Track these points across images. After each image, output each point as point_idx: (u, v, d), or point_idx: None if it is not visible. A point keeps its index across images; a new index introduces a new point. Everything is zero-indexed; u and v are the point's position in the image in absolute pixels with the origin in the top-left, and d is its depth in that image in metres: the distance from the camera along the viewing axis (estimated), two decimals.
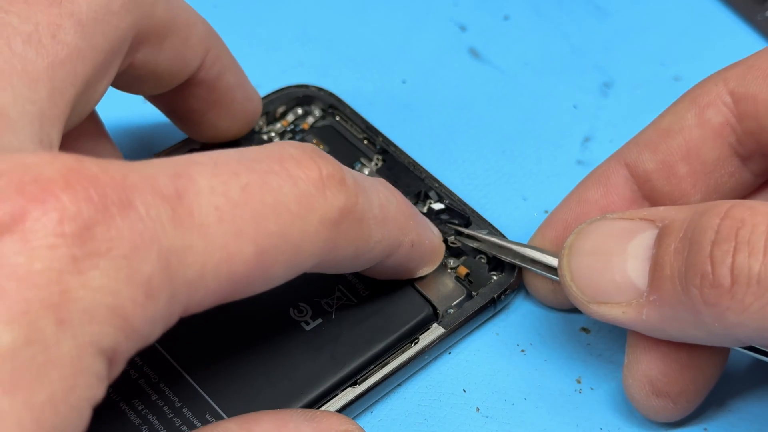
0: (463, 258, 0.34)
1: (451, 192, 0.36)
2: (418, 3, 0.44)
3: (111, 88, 0.30)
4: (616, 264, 0.29)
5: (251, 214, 0.24)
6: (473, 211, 0.35)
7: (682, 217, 0.28)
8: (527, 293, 0.35)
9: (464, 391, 0.33)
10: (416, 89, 0.41)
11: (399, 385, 0.32)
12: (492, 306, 0.33)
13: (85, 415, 0.21)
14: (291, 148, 0.26)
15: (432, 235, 0.32)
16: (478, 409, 0.32)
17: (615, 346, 0.34)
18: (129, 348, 0.22)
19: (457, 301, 0.33)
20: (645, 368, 0.30)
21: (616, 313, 0.29)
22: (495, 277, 0.34)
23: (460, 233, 0.34)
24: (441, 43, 0.43)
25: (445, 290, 0.33)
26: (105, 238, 0.21)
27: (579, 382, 0.33)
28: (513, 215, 0.37)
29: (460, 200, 0.35)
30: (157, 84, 0.31)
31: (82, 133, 0.31)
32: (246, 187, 0.24)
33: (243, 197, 0.24)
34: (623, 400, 0.32)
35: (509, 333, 0.34)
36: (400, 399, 0.32)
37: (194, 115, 0.34)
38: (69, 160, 0.22)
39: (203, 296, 0.23)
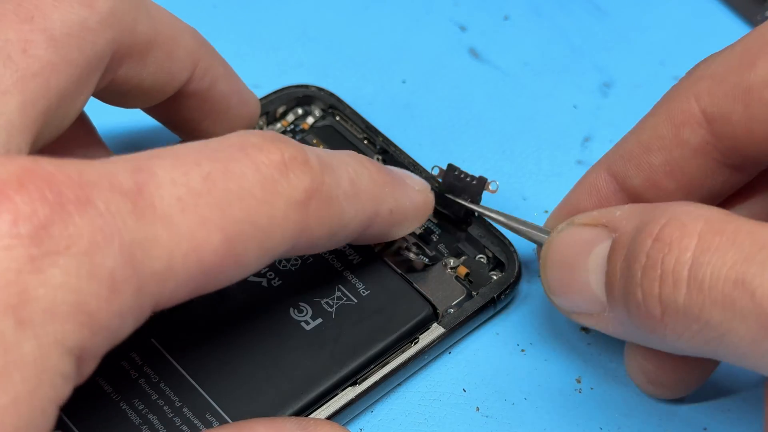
0: (463, 258, 0.34)
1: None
2: (418, 3, 0.44)
3: None
4: (580, 278, 0.29)
5: (215, 203, 0.24)
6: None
7: (629, 229, 0.27)
8: (527, 293, 0.35)
9: (464, 391, 0.33)
10: (416, 89, 0.41)
11: (399, 385, 0.32)
12: (492, 306, 0.33)
13: (50, 415, 0.21)
14: (252, 135, 0.26)
15: (414, 193, 0.31)
16: (478, 408, 0.32)
17: (615, 346, 0.34)
18: (98, 344, 0.22)
19: (457, 301, 0.33)
20: (641, 361, 0.31)
21: (591, 322, 0.29)
22: (495, 277, 0.34)
23: (470, 212, 0.34)
24: (441, 43, 0.43)
25: (445, 290, 0.33)
26: (63, 235, 0.21)
27: (579, 381, 0.33)
28: (513, 215, 0.37)
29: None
30: (145, 98, 0.31)
31: (71, 141, 0.31)
32: (208, 176, 0.24)
33: (205, 186, 0.24)
34: (623, 399, 0.32)
35: (509, 333, 0.34)
36: (400, 399, 0.32)
37: (190, 125, 0.34)
38: (24, 161, 0.22)
39: (174, 288, 0.23)
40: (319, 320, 0.32)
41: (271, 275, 0.33)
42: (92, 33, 0.27)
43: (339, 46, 0.42)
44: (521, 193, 0.38)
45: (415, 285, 0.33)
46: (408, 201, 0.31)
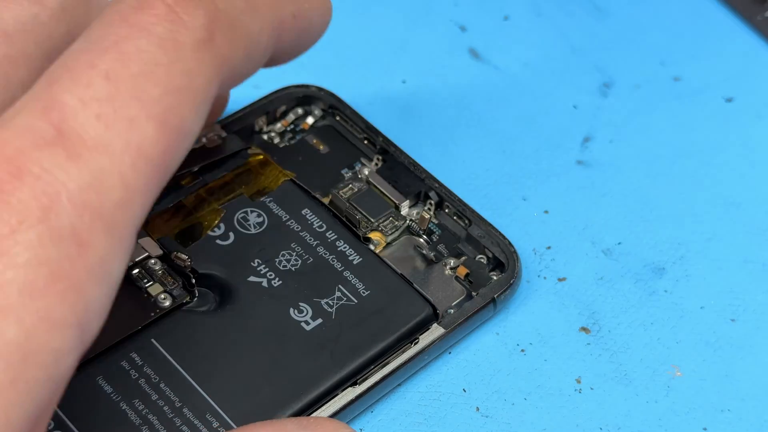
0: (463, 258, 0.34)
1: (451, 192, 0.36)
2: (418, 3, 0.44)
3: None
4: None
5: (130, 96, 0.23)
6: (473, 211, 0.35)
7: None
8: (527, 293, 0.35)
9: (464, 391, 0.33)
10: (416, 89, 0.41)
11: (399, 385, 0.32)
12: (492, 306, 0.33)
13: (41, 395, 0.21)
14: (124, 3, 0.24)
15: None
16: (478, 408, 0.32)
17: (615, 345, 0.34)
18: (90, 303, 0.22)
19: (457, 301, 0.33)
20: None
21: None
22: (495, 278, 0.34)
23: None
24: (441, 43, 0.43)
25: (445, 290, 0.33)
26: (12, 215, 0.21)
27: (579, 381, 0.33)
28: (513, 215, 0.37)
29: (460, 200, 0.35)
30: None
31: None
32: (108, 74, 0.23)
33: (112, 86, 0.23)
34: (623, 399, 0.32)
35: (509, 333, 0.34)
36: (400, 399, 0.32)
37: None
38: None
39: (142, 200, 0.23)
40: (319, 320, 0.32)
41: (271, 275, 0.33)
42: (46, 27, 0.27)
43: (339, 46, 0.42)
44: (521, 193, 0.38)
45: (415, 285, 0.33)
46: (306, 2, 0.29)
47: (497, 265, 0.34)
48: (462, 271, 0.34)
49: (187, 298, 0.32)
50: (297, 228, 0.34)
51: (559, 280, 0.35)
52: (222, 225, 0.34)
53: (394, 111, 0.40)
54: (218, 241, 0.33)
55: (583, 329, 0.34)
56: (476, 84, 0.41)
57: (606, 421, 0.32)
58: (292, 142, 0.37)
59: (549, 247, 0.36)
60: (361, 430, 0.32)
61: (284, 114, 0.38)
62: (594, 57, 0.42)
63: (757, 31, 0.43)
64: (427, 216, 0.35)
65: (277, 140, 0.37)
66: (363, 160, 0.37)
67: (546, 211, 0.37)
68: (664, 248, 0.36)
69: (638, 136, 0.40)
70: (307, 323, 0.32)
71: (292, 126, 0.38)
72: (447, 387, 0.33)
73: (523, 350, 0.34)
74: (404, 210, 0.35)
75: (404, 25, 0.43)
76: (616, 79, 0.42)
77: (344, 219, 0.34)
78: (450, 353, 0.33)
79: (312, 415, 0.30)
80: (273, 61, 0.29)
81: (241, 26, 0.26)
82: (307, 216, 0.34)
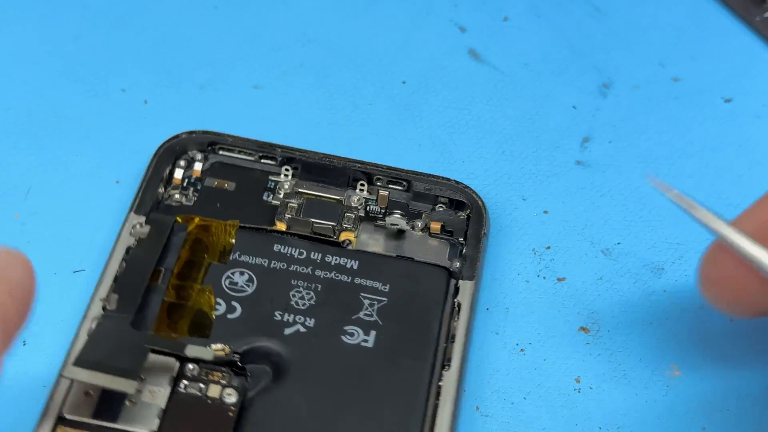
0: (424, 215, 0.35)
1: (375, 165, 0.36)
2: (418, 3, 0.44)
3: None
4: None
5: None
6: (405, 171, 0.35)
7: None
8: (527, 293, 0.35)
9: (464, 391, 0.33)
10: (416, 89, 0.41)
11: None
12: (485, 235, 0.34)
13: None
14: None
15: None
16: (478, 408, 0.32)
17: (614, 345, 0.34)
18: None
19: (449, 253, 0.34)
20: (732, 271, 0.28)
21: None
22: (463, 216, 0.35)
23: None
24: (441, 44, 0.43)
25: (434, 250, 0.34)
26: None
27: (578, 381, 0.33)
28: (513, 215, 0.37)
29: (387, 167, 0.36)
30: None
31: None
32: None
33: None
34: (622, 399, 0.32)
35: (509, 333, 0.34)
36: None
37: None
38: None
39: None
40: (373, 332, 0.32)
41: (300, 319, 0.32)
42: None
43: (339, 46, 0.42)
44: (521, 193, 0.38)
45: (417, 259, 0.34)
46: (9, 273, 0.26)
47: (458, 205, 0.35)
48: (436, 226, 0.35)
49: (247, 382, 0.31)
50: (284, 266, 0.33)
51: (559, 279, 0.35)
52: (219, 300, 0.32)
53: (394, 111, 0.40)
54: (229, 316, 0.32)
55: (583, 329, 0.34)
56: (476, 84, 0.41)
57: (605, 421, 0.32)
58: (197, 194, 0.36)
59: (548, 247, 0.36)
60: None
61: (171, 173, 0.36)
62: (593, 57, 0.43)
63: (756, 32, 0.43)
64: (385, 193, 0.35)
65: (184, 200, 0.35)
66: (272, 178, 0.36)
67: (545, 211, 0.37)
68: (663, 248, 0.36)
69: (637, 136, 0.40)
70: (366, 341, 0.32)
71: (185, 181, 0.36)
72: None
73: (522, 350, 0.34)
74: (349, 200, 0.35)
75: (404, 25, 0.43)
76: (615, 80, 0.42)
77: (314, 235, 0.34)
78: None
79: (437, 415, 0.30)
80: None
81: None
82: (282, 250, 0.34)
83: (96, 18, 0.42)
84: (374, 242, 0.35)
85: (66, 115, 0.39)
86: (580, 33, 0.43)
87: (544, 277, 0.35)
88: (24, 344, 0.32)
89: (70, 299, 0.33)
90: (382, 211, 0.35)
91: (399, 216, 0.35)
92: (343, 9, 0.44)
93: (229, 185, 0.36)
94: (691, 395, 0.33)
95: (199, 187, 0.36)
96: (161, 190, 0.35)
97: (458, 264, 0.34)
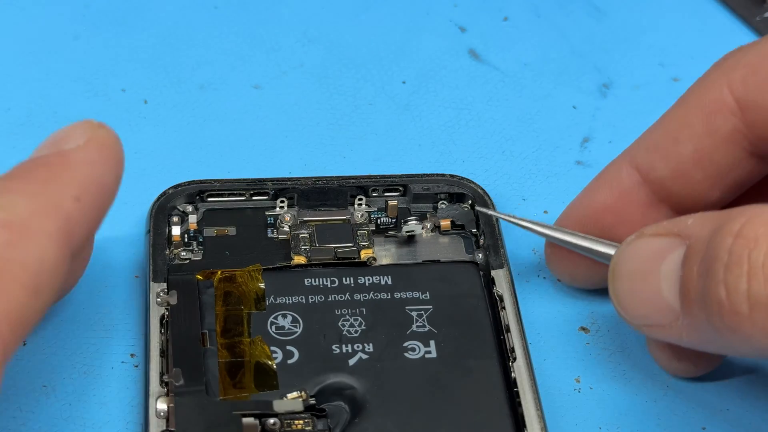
0: (430, 214, 0.35)
1: (367, 176, 0.36)
2: (418, 3, 0.44)
3: None
4: (652, 287, 0.28)
5: None
6: (397, 176, 0.36)
7: (704, 234, 0.27)
8: (526, 294, 0.35)
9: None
10: (416, 89, 0.41)
11: None
12: (496, 222, 0.35)
13: None
14: None
15: (81, 156, 0.27)
16: None
17: (614, 345, 0.34)
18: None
19: (465, 247, 0.34)
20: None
21: (662, 334, 0.29)
22: (466, 208, 0.35)
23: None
24: (441, 44, 0.43)
25: (450, 248, 0.34)
26: None
27: (578, 381, 0.33)
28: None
29: (378, 176, 0.36)
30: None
31: None
32: None
33: None
34: (622, 399, 0.32)
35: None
36: None
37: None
38: None
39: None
40: (432, 342, 0.31)
41: (358, 347, 0.31)
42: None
43: (339, 46, 0.42)
44: (521, 193, 0.38)
45: (442, 260, 0.34)
46: (81, 174, 0.26)
47: (458, 198, 0.35)
48: (445, 223, 0.35)
49: (329, 422, 0.30)
50: (321, 298, 0.32)
51: (559, 279, 0.35)
52: (273, 348, 0.31)
53: (394, 111, 0.40)
54: (288, 362, 0.31)
55: (583, 329, 0.34)
56: (476, 84, 0.41)
57: (605, 421, 0.32)
58: (201, 247, 0.34)
59: None
60: None
61: (170, 232, 0.34)
62: (593, 57, 0.43)
63: (756, 32, 0.43)
64: (393, 203, 0.35)
65: (192, 256, 0.34)
66: (268, 213, 0.35)
67: (546, 211, 0.37)
68: None
69: (637, 136, 0.40)
70: (428, 352, 0.31)
71: (184, 237, 0.34)
72: None
73: None
74: (353, 218, 0.35)
75: (404, 25, 0.43)
76: (615, 80, 0.42)
77: (337, 260, 0.34)
78: None
79: (525, 411, 0.30)
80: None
81: (8, 263, 0.24)
82: (314, 283, 0.33)
83: (96, 18, 0.42)
84: (386, 253, 0.34)
85: (66, 116, 0.39)
86: (580, 33, 0.43)
87: (545, 277, 0.35)
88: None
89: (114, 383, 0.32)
90: (392, 221, 0.35)
91: (415, 221, 0.34)
92: (343, 9, 0.44)
93: (229, 230, 0.35)
94: (690, 395, 0.33)
95: (200, 240, 0.34)
96: (168, 251, 0.34)
97: (480, 255, 0.34)
